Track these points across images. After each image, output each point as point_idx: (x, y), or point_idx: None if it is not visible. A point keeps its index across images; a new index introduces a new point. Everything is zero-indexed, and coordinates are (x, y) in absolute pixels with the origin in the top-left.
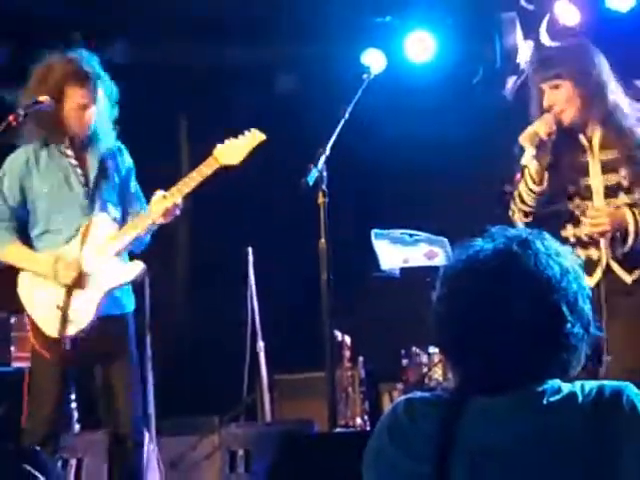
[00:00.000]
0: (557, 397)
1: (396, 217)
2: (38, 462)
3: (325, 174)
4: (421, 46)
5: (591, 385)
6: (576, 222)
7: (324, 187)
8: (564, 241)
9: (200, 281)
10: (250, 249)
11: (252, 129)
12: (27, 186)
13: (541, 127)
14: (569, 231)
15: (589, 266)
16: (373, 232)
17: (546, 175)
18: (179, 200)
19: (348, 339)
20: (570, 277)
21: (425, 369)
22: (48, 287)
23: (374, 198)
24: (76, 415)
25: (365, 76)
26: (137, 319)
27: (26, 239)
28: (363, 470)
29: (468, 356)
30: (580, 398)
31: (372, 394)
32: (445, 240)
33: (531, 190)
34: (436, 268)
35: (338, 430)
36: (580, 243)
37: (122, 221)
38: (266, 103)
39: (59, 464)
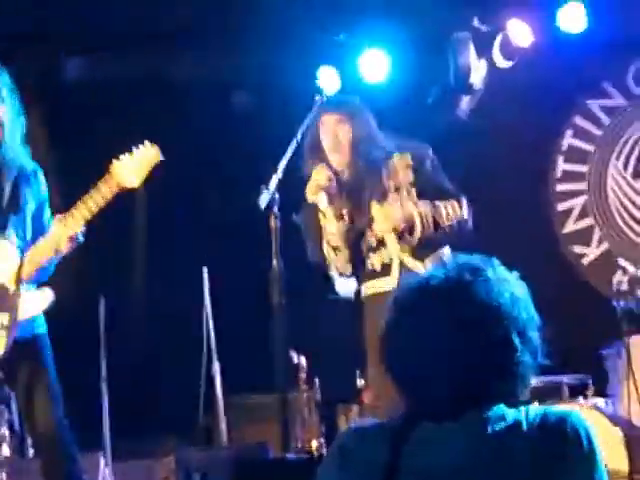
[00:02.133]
0: (502, 424)
1: None
2: None
3: (277, 196)
4: (375, 65)
5: (536, 411)
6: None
7: (276, 210)
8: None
9: (155, 301)
10: (205, 269)
11: (146, 142)
12: None
13: (320, 176)
14: (373, 259)
15: (385, 269)
16: None
17: (345, 214)
18: (80, 226)
19: (304, 361)
20: (520, 305)
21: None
22: None
23: None
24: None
25: (317, 97)
26: (92, 340)
27: None
28: None
29: (415, 383)
30: (525, 425)
31: (329, 416)
32: None
33: (332, 234)
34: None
35: (291, 455)
36: (371, 249)
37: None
38: (221, 119)
39: None
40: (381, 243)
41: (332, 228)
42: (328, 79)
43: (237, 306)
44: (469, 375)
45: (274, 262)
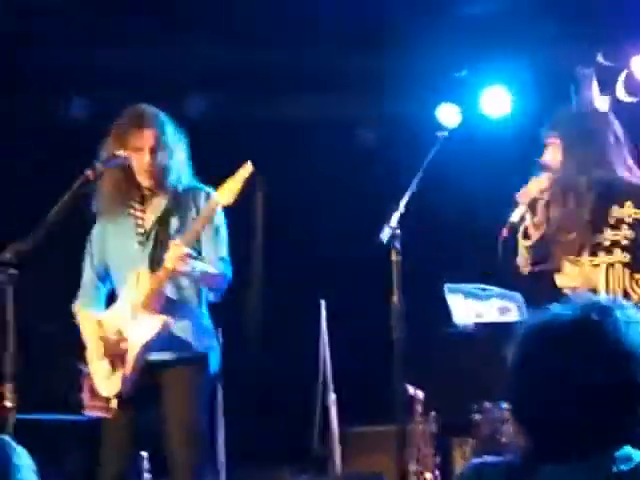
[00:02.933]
0: (628, 465)
1: (471, 272)
2: None
3: (399, 232)
4: (497, 101)
5: None
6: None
7: (397, 245)
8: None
9: (273, 332)
10: (323, 301)
11: (245, 165)
12: (105, 252)
13: (534, 185)
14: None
15: None
16: (446, 286)
17: (543, 228)
18: (186, 249)
19: (420, 393)
20: None
21: (497, 425)
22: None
23: (447, 253)
24: (146, 464)
25: (439, 134)
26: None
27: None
28: None
29: (541, 423)
30: None
31: (444, 449)
32: (518, 295)
33: (523, 245)
34: (510, 324)
35: None
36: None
37: None
38: (345, 156)
39: None
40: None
41: (523, 242)
42: (449, 115)
43: (355, 339)
44: (596, 416)
45: (394, 296)
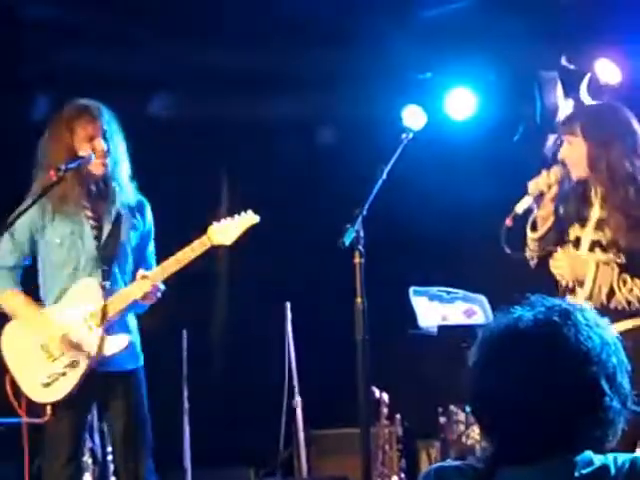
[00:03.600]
0: (589, 469)
1: (434, 275)
2: None
3: (362, 234)
4: (462, 103)
5: (624, 458)
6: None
7: (360, 247)
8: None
9: (237, 335)
10: (288, 304)
11: (248, 211)
12: (39, 237)
13: (544, 179)
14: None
15: None
16: (411, 289)
17: (549, 223)
18: (160, 284)
19: (386, 396)
20: (610, 350)
21: (463, 427)
22: (35, 346)
23: (412, 256)
24: (112, 467)
25: (404, 136)
26: (174, 372)
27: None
28: None
29: (502, 425)
30: (613, 471)
31: (409, 452)
32: (483, 298)
33: (531, 237)
34: (474, 327)
35: None
36: (566, 289)
37: (119, 287)
38: (306, 157)
39: None
40: (573, 291)
41: (530, 234)
42: (414, 117)
43: (320, 341)
44: (557, 420)
45: (358, 298)
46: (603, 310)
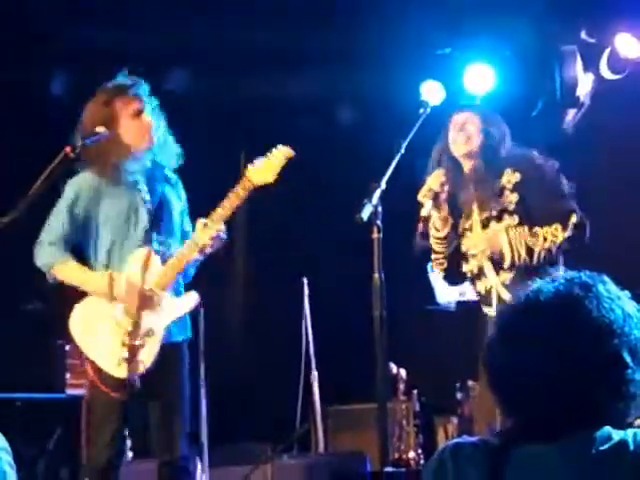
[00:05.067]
0: (607, 445)
1: None
2: None
3: (380, 209)
4: (481, 78)
5: None
6: (467, 258)
7: (379, 222)
8: (464, 276)
9: (255, 310)
10: (305, 280)
11: (280, 146)
12: (94, 211)
13: (434, 180)
14: (466, 267)
15: (487, 297)
16: (430, 265)
17: (450, 220)
18: (222, 226)
19: (403, 372)
20: (632, 322)
21: None
22: (108, 323)
23: None
24: (129, 443)
25: (422, 110)
26: (192, 347)
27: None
28: None
29: (521, 400)
30: (631, 446)
31: (426, 427)
32: None
33: (437, 238)
34: None
35: (389, 469)
36: (474, 276)
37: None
38: (326, 134)
39: None
40: (481, 272)
41: (435, 233)
42: (432, 92)
43: (338, 317)
44: (578, 394)
45: (375, 274)
46: (530, 269)
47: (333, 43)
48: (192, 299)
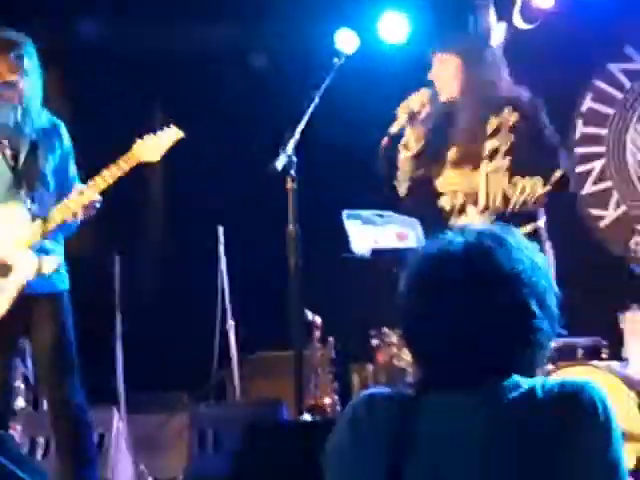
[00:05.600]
0: (516, 393)
1: (366, 200)
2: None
3: (294, 159)
4: (395, 27)
5: (552, 382)
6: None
7: (292, 172)
8: (440, 211)
9: (171, 259)
10: (221, 228)
11: (172, 125)
12: None
13: (415, 100)
14: (442, 201)
15: None
16: (344, 213)
17: (422, 142)
18: (96, 196)
19: (318, 319)
20: (540, 273)
21: (395, 350)
22: None
23: (344, 181)
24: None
25: (336, 60)
26: (107, 296)
27: None
28: (325, 461)
29: (432, 350)
30: (540, 394)
31: (342, 374)
32: (416, 221)
33: (406, 157)
34: (407, 250)
35: (306, 418)
36: (453, 212)
37: (46, 211)
38: (241, 84)
39: (27, 444)
40: (462, 211)
41: (405, 152)
42: (347, 41)
43: (253, 266)
44: (486, 342)
45: (290, 225)
46: (502, 217)
47: None
48: (54, 263)
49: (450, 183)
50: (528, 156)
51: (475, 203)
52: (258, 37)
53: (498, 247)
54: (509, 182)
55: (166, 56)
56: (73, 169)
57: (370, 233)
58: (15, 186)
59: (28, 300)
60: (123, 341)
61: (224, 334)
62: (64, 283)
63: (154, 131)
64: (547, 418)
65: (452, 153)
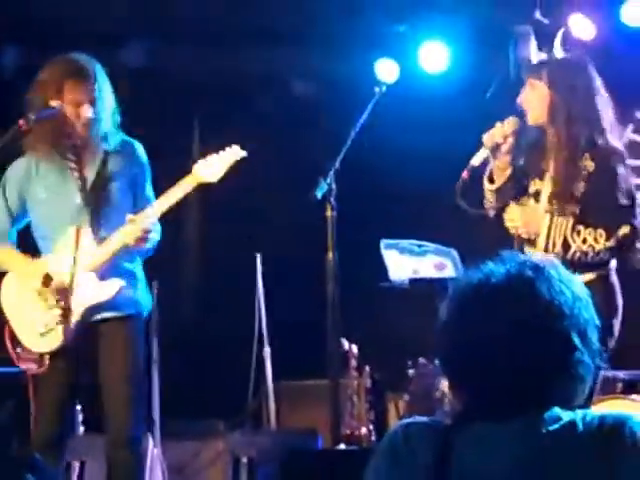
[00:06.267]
0: (556, 425)
1: (405, 229)
2: (38, 469)
3: (334, 187)
4: (435, 56)
5: (593, 414)
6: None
7: (332, 200)
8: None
9: (208, 285)
10: (259, 255)
11: (233, 145)
12: (26, 192)
13: (499, 130)
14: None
15: None
16: (383, 242)
17: (506, 174)
18: (151, 226)
19: (355, 348)
20: (581, 305)
21: (431, 380)
22: (30, 295)
23: (384, 210)
24: (80, 417)
25: (377, 89)
26: (145, 323)
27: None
28: None
29: (472, 381)
30: (580, 427)
31: (378, 404)
32: (453, 251)
33: (490, 190)
34: (445, 280)
35: (341, 447)
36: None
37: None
38: (280, 111)
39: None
40: (531, 242)
41: (488, 185)
42: (387, 71)
43: (290, 293)
44: (527, 375)
45: (329, 252)
46: (565, 265)
47: (288, 18)
48: (112, 288)
49: (512, 219)
50: (597, 207)
51: (534, 244)
52: (300, 65)
53: (540, 278)
54: (573, 229)
55: (209, 80)
56: (149, 189)
57: (408, 263)
58: (83, 207)
59: (95, 325)
60: (159, 368)
61: (260, 362)
62: (135, 306)
63: (192, 155)
64: (587, 451)
65: (534, 184)
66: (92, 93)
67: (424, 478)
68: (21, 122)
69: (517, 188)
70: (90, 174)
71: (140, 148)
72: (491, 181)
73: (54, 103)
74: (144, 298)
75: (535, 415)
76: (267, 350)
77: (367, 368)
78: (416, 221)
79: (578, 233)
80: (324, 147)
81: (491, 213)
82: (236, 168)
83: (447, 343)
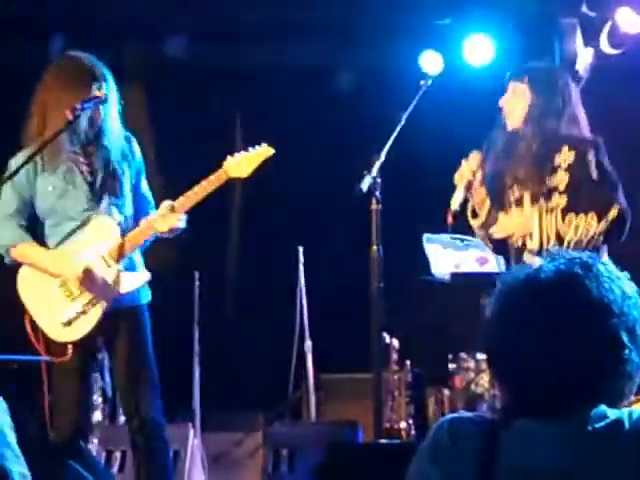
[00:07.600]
0: (602, 423)
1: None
2: (84, 458)
3: (379, 181)
4: (480, 49)
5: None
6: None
7: (377, 194)
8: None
9: (250, 278)
10: (301, 248)
11: (263, 143)
12: (34, 184)
13: (466, 168)
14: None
15: None
16: (425, 236)
17: (486, 206)
18: (183, 216)
19: (396, 342)
20: (630, 303)
21: (472, 375)
22: (52, 285)
23: (427, 203)
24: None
25: (422, 82)
26: (186, 315)
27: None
28: None
29: (519, 377)
30: (627, 425)
31: (418, 398)
32: None
33: (476, 226)
34: (487, 274)
35: (383, 441)
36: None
37: (128, 224)
38: (325, 104)
39: (103, 457)
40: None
41: (473, 222)
42: (432, 63)
43: (332, 286)
44: (575, 372)
45: (373, 245)
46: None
47: (333, 11)
48: (142, 278)
49: (504, 228)
50: (584, 195)
51: (529, 244)
52: (344, 57)
53: (588, 275)
54: (562, 221)
55: (249, 74)
56: (144, 185)
57: (451, 257)
58: (94, 200)
59: (109, 314)
60: (200, 359)
61: (301, 354)
62: (144, 296)
63: (235, 148)
64: (634, 449)
65: (514, 193)
66: (103, 94)
67: (471, 473)
68: (68, 112)
69: (497, 212)
70: (99, 168)
71: (136, 144)
72: (474, 217)
73: (99, 92)
74: (146, 288)
75: (581, 413)
76: (308, 343)
77: (408, 362)
78: (459, 215)
79: (569, 222)
80: (369, 140)
81: (488, 244)
82: (279, 161)
83: (494, 338)
